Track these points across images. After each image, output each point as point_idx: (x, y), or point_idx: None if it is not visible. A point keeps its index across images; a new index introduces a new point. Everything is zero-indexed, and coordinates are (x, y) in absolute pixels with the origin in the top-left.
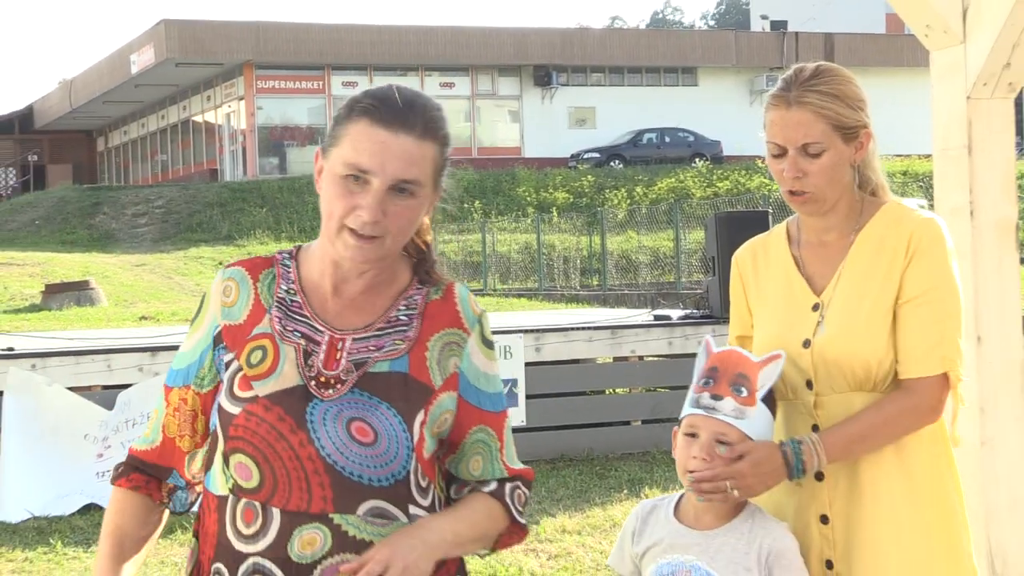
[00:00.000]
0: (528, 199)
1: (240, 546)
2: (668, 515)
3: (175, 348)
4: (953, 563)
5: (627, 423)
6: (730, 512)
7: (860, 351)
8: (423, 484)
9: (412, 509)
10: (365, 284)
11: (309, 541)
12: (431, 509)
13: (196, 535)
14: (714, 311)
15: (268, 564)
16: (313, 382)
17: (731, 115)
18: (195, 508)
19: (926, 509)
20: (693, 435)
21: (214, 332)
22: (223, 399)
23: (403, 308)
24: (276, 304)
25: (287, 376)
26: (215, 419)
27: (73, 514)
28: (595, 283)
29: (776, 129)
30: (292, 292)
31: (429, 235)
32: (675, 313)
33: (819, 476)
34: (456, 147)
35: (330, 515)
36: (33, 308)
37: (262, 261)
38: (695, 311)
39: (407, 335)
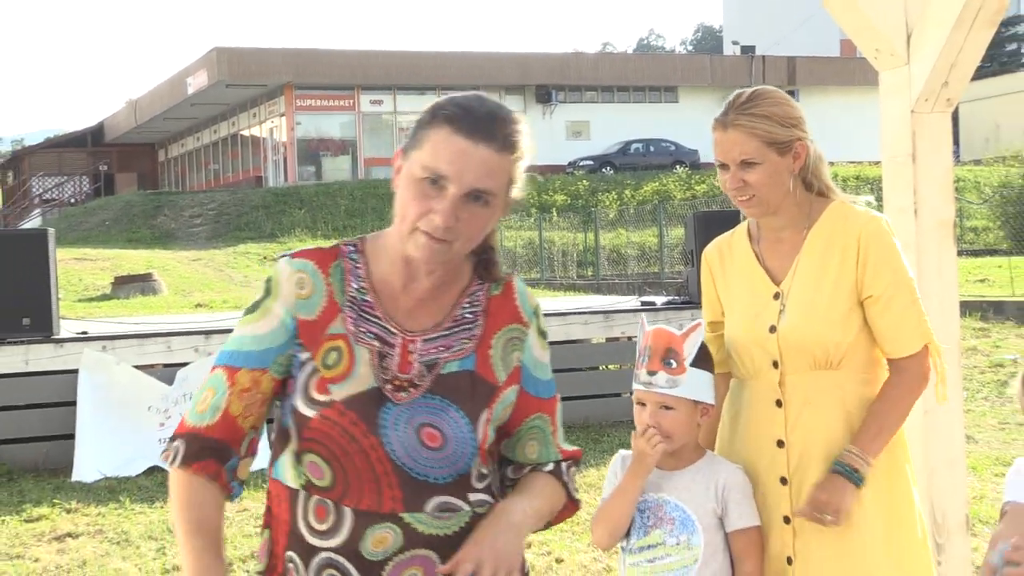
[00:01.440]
0: (531, 201)
1: (313, 540)
2: None
3: (227, 331)
4: (901, 508)
5: (618, 395)
6: (692, 457)
7: (821, 335)
8: (483, 472)
9: (472, 496)
10: (433, 283)
11: (380, 540)
12: (487, 491)
13: (268, 527)
14: (693, 297)
15: (341, 560)
16: (388, 385)
17: (707, 128)
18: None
19: (877, 467)
20: (642, 404)
21: (291, 324)
22: (298, 401)
23: (467, 305)
24: (349, 303)
25: (363, 378)
26: (288, 418)
27: (139, 475)
28: (589, 274)
29: (718, 148)
30: (363, 291)
31: (494, 237)
32: (659, 299)
33: (780, 443)
34: None
35: (400, 514)
36: (104, 297)
37: (328, 253)
38: (676, 297)
39: (473, 333)
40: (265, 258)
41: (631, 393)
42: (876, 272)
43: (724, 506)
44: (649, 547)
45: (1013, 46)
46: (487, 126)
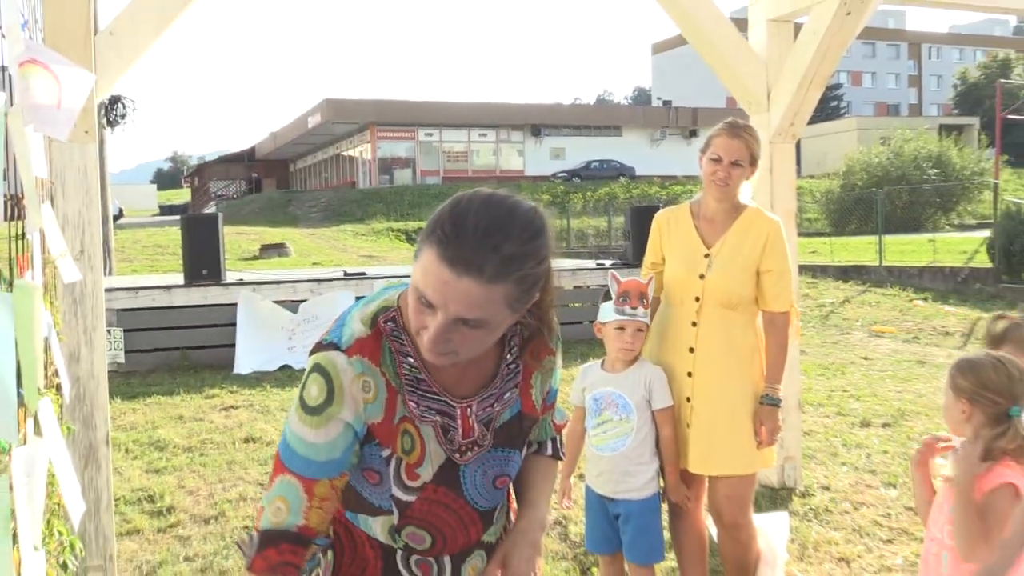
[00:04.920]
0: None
1: None
2: (597, 368)
3: (334, 280)
4: (757, 386)
5: (580, 323)
6: (630, 364)
7: (731, 287)
8: None
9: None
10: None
11: (474, 568)
12: None
13: (332, 549)
14: (630, 261)
15: None
16: (456, 454)
17: (640, 153)
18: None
19: (749, 369)
20: (622, 328)
21: (361, 429)
22: (395, 490)
23: (509, 356)
24: (406, 386)
25: (436, 455)
26: (383, 501)
27: (274, 370)
28: (564, 246)
29: (721, 148)
30: (416, 369)
31: (550, 313)
32: (607, 262)
33: (691, 350)
34: (484, 170)
35: (482, 539)
36: (254, 258)
37: (374, 340)
38: (618, 261)
39: (517, 381)
40: (357, 234)
41: (590, 322)
42: (772, 256)
43: (650, 393)
44: (602, 423)
45: (835, 102)
46: (472, 257)
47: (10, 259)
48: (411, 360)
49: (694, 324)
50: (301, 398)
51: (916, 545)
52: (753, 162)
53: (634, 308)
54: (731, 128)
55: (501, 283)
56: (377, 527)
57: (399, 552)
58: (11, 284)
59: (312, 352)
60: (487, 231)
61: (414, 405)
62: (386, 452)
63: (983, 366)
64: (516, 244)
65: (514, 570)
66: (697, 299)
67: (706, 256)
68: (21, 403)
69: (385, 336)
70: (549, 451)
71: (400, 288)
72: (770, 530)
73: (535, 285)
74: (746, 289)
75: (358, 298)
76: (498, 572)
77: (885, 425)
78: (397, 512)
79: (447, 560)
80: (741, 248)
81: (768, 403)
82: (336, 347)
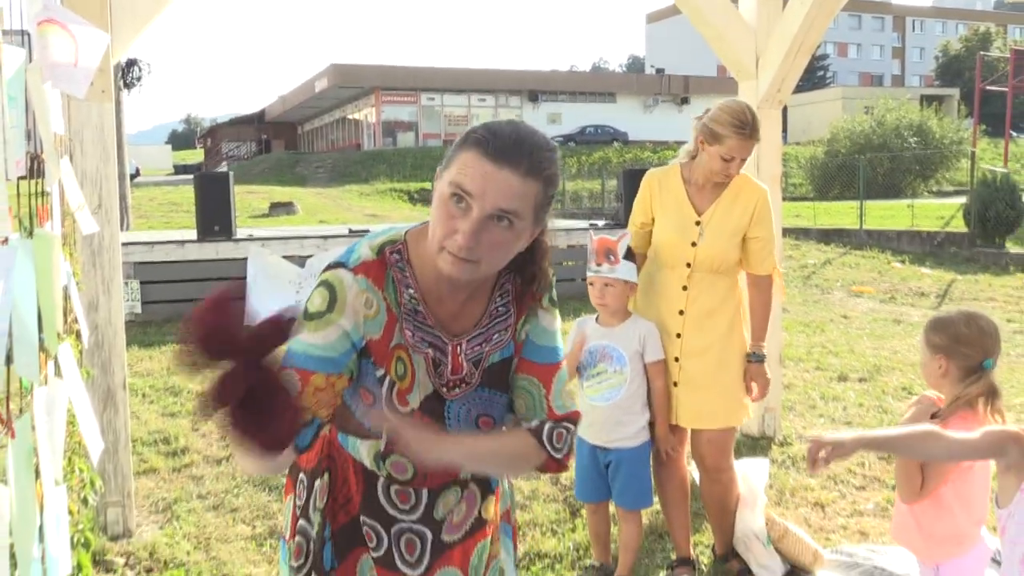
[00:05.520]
0: None
1: (394, 513)
2: (592, 322)
3: (339, 237)
4: (741, 352)
5: (573, 280)
6: (623, 318)
7: (722, 254)
8: None
9: None
10: (471, 290)
11: (447, 503)
12: None
13: (328, 472)
14: (621, 222)
15: (417, 526)
16: (444, 388)
17: (633, 119)
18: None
19: (729, 327)
20: (593, 284)
21: (359, 341)
22: (387, 413)
23: (499, 299)
24: (405, 315)
25: (424, 385)
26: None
27: None
28: (560, 207)
29: (736, 148)
30: (415, 301)
31: (546, 260)
32: (600, 223)
33: (680, 312)
34: None
35: (459, 476)
36: (263, 216)
37: (379, 265)
38: (611, 222)
39: (507, 323)
40: (361, 194)
41: (583, 279)
42: (760, 224)
43: (643, 346)
44: (597, 374)
45: (821, 72)
46: (512, 151)
47: (30, 210)
48: (411, 291)
49: (684, 288)
50: (304, 308)
51: (887, 492)
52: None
53: (599, 265)
54: (752, 129)
55: (533, 179)
56: (364, 451)
57: (381, 480)
58: (31, 233)
59: (320, 274)
60: (519, 136)
61: (410, 334)
62: (380, 372)
63: (955, 322)
64: (543, 150)
65: (403, 441)
66: (688, 265)
67: (697, 224)
68: (41, 346)
69: (390, 266)
70: (538, 433)
71: (408, 226)
72: (751, 474)
73: (553, 198)
74: (734, 254)
75: None
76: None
77: (861, 380)
78: (385, 436)
79: (424, 492)
80: (731, 216)
81: (755, 360)
82: (343, 265)
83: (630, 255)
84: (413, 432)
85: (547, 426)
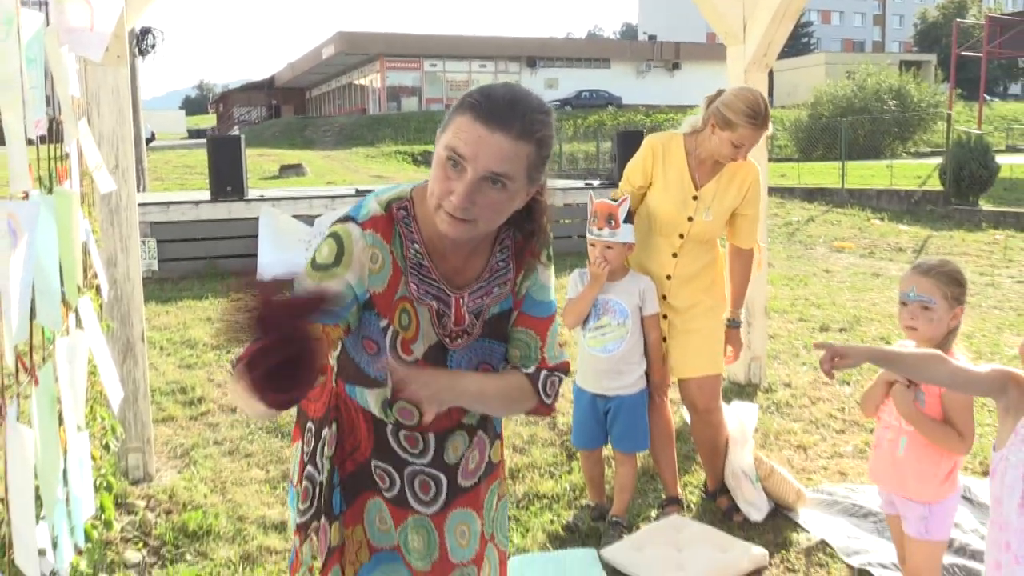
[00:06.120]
0: None
1: (406, 456)
2: None
3: (346, 196)
4: (722, 306)
5: (570, 237)
6: (622, 274)
7: (716, 229)
8: None
9: None
10: (473, 246)
11: (455, 447)
12: None
13: (335, 422)
14: (615, 182)
15: (430, 469)
16: (447, 338)
17: (627, 84)
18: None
19: (710, 288)
20: (594, 245)
21: (362, 294)
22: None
23: (499, 254)
24: (411, 269)
25: (428, 335)
26: (381, 374)
27: None
28: (556, 168)
29: (747, 137)
30: (420, 255)
31: (544, 217)
32: (595, 182)
33: (668, 277)
34: None
35: (463, 421)
36: (274, 177)
37: (386, 220)
38: (605, 181)
39: (507, 277)
40: (368, 156)
41: (580, 236)
42: (751, 203)
43: (643, 301)
44: (600, 327)
45: (806, 39)
46: (505, 114)
47: (49, 169)
48: (417, 247)
49: (674, 255)
50: (312, 257)
51: (866, 435)
52: None
53: (600, 229)
54: (758, 120)
55: (525, 142)
56: (371, 399)
57: (389, 426)
58: (51, 190)
59: (331, 225)
60: (513, 100)
61: (415, 287)
62: (384, 323)
63: (957, 270)
64: (536, 112)
65: (412, 389)
66: (681, 236)
67: (695, 198)
68: (63, 299)
69: (396, 221)
70: (533, 379)
71: (414, 184)
72: (742, 417)
73: (547, 158)
74: (723, 228)
75: None
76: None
77: (842, 330)
78: (390, 383)
79: (432, 436)
80: (727, 195)
81: (732, 326)
82: (353, 220)
83: (629, 218)
84: (422, 374)
85: (542, 374)
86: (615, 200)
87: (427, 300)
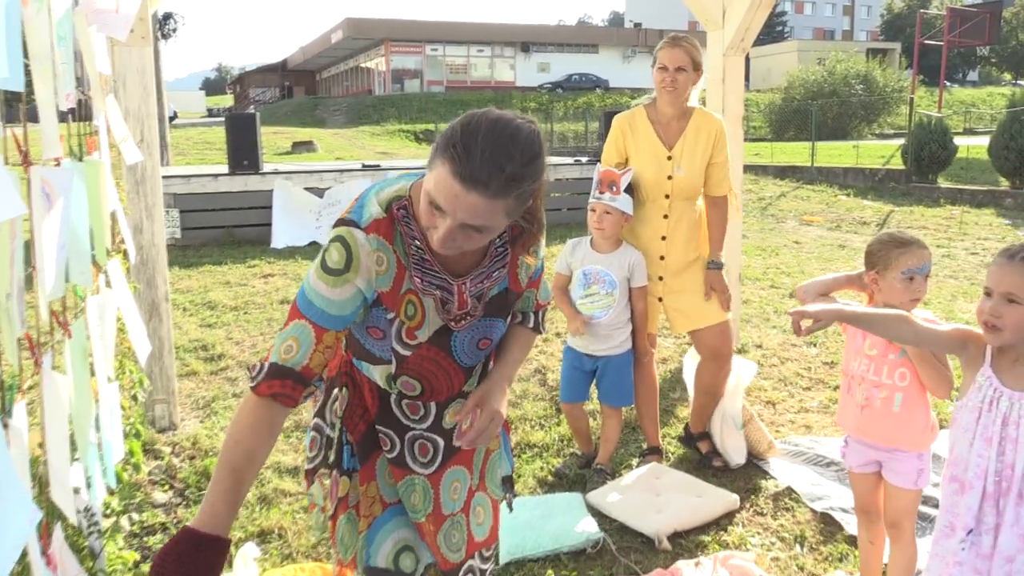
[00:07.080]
0: (517, 107)
1: (407, 423)
2: (586, 245)
3: (354, 171)
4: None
5: (559, 209)
6: (615, 246)
7: (693, 183)
8: None
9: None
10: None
11: (453, 413)
12: None
13: (345, 386)
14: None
15: (428, 434)
16: (452, 322)
17: (614, 68)
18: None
19: (699, 243)
20: (594, 210)
21: (371, 294)
22: (395, 344)
23: (498, 240)
24: (414, 264)
25: (434, 321)
26: (384, 352)
27: (304, 245)
28: (548, 146)
29: (666, 57)
30: (422, 250)
31: (541, 211)
32: (584, 159)
33: (663, 238)
34: (481, 81)
35: (462, 390)
36: (286, 153)
37: (387, 222)
38: (593, 158)
39: (505, 261)
40: (373, 134)
41: (569, 209)
42: (718, 151)
43: (631, 273)
44: (589, 295)
45: (780, 27)
46: (481, 174)
47: (80, 141)
48: (417, 243)
49: (666, 216)
50: (323, 259)
51: (830, 392)
52: (696, 67)
53: (601, 193)
54: (673, 40)
55: (502, 198)
56: (377, 374)
57: (393, 396)
58: (81, 159)
59: (335, 225)
60: (494, 153)
61: (419, 280)
62: (390, 315)
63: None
64: (518, 165)
65: (490, 407)
66: (667, 196)
67: (669, 158)
68: (93, 260)
69: (397, 221)
70: (531, 323)
71: (412, 179)
72: (740, 370)
73: (530, 197)
74: (702, 180)
75: None
76: (477, 409)
77: None
78: (395, 363)
79: (433, 405)
80: (697, 147)
81: (713, 267)
82: (356, 225)
83: (630, 190)
84: (487, 412)
85: (539, 314)
86: (619, 170)
87: (432, 290)
